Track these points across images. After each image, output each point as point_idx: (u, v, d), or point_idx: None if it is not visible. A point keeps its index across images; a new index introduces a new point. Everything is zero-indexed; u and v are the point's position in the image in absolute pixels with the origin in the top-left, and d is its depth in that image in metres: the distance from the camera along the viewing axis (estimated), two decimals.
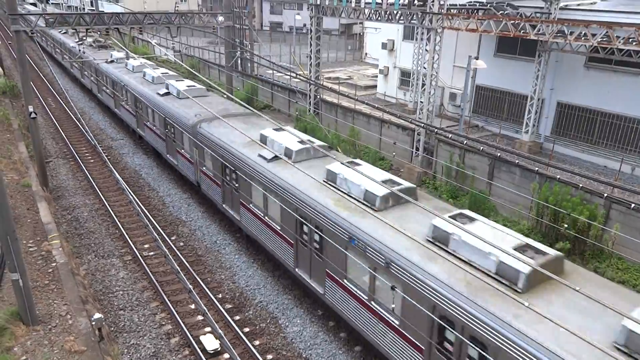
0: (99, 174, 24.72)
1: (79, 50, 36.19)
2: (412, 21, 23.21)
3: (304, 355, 13.24)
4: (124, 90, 28.14)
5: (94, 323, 12.36)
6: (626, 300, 8.90)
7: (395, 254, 10.77)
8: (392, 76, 34.44)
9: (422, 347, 10.42)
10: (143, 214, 18.03)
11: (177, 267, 10.23)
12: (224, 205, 18.66)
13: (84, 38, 38.23)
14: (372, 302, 11.79)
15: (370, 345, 12.49)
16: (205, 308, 9.52)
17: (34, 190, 20.48)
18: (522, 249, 9.72)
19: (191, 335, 13.64)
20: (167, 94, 23.85)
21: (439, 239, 10.68)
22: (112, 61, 32.10)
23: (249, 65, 40.31)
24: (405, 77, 33.33)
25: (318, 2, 27.79)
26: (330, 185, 13.69)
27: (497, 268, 9.46)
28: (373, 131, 27.53)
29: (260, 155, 15.98)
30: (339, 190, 13.31)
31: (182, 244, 18.69)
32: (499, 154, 21.05)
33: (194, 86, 23.76)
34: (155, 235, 11.38)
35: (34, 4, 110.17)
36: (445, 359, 9.92)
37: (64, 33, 45.53)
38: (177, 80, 25.03)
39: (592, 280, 9.72)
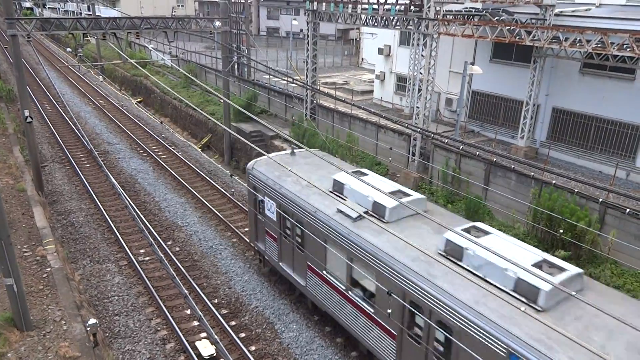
0: (94, 178, 24.65)
1: None
2: (408, 27, 23.31)
3: None
4: None
5: (88, 328, 12.28)
6: None
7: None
8: (388, 81, 34.53)
9: None
10: (139, 219, 18.00)
11: (173, 272, 10.19)
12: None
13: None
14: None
15: (368, 351, 12.45)
16: (201, 313, 9.47)
17: (29, 195, 20.39)
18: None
19: (187, 340, 13.59)
20: None
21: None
22: None
23: (246, 70, 40.36)
24: (401, 83, 33.42)
25: (315, 8, 27.89)
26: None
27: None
28: (369, 136, 27.56)
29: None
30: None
31: (178, 249, 18.63)
32: (494, 159, 21.11)
33: None
34: (151, 240, 11.34)
35: (31, 9, 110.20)
36: None
37: None
38: None
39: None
